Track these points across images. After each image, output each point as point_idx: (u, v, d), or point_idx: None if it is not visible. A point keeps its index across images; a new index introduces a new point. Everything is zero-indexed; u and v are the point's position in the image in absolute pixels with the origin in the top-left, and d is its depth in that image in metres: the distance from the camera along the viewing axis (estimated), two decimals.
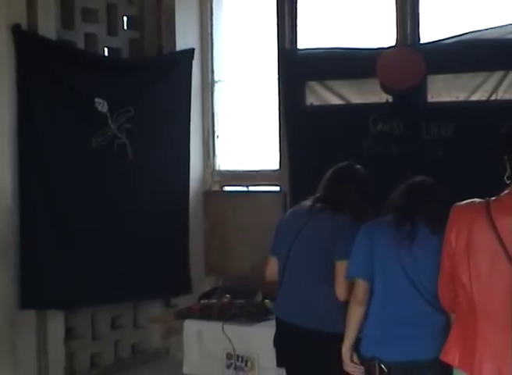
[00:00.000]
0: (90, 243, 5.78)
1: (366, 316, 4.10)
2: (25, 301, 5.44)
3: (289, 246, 4.56)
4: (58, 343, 5.74)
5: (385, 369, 3.96)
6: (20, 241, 5.43)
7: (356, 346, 4.15)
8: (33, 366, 5.55)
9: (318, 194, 4.62)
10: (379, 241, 4.06)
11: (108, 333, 6.30)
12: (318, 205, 4.56)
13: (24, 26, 5.43)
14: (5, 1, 5.35)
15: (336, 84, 6.19)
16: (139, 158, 6.11)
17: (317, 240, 4.47)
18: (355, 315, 4.12)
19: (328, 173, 4.64)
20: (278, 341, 4.70)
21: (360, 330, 4.15)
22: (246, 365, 5.25)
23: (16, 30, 5.36)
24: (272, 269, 4.75)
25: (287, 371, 4.71)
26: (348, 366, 4.16)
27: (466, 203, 3.52)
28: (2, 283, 5.40)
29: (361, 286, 4.09)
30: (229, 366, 5.30)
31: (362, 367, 4.12)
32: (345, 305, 4.23)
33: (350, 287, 4.18)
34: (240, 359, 5.26)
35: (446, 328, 3.93)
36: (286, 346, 4.62)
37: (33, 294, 5.46)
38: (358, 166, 4.64)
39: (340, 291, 4.30)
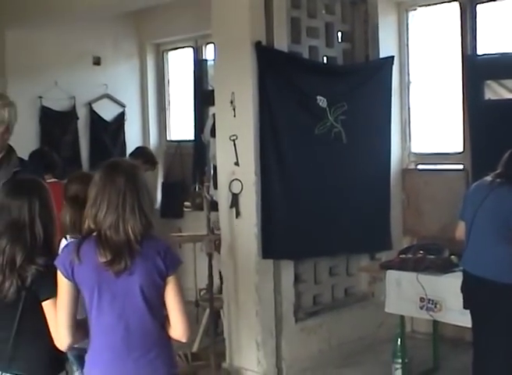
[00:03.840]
0: (313, 208, 5.83)
1: None
2: (265, 252, 5.56)
3: (474, 213, 4.48)
4: (289, 285, 5.83)
5: None
6: (261, 206, 5.55)
7: None
8: (271, 302, 5.67)
9: (497, 171, 4.49)
10: None
11: (326, 279, 6.35)
12: (498, 180, 4.44)
13: (264, 43, 5.54)
14: (250, 24, 5.50)
15: (510, 82, 6.04)
16: (351, 143, 6.10)
17: (497, 208, 4.38)
18: None
19: (507, 154, 4.51)
20: (464, 289, 4.63)
21: None
22: (435, 307, 5.18)
23: (257, 45, 5.49)
24: (461, 231, 4.69)
25: (471, 312, 4.63)
26: None
27: None
28: (249, 238, 5.57)
29: None
30: (421, 307, 5.25)
31: None
32: None
33: None
34: (430, 302, 5.20)
35: None
36: (471, 292, 4.56)
37: (271, 247, 5.58)
38: None
39: None
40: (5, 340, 3.09)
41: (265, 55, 5.53)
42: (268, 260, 5.62)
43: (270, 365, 5.68)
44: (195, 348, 6.26)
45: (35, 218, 3.12)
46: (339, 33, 6.54)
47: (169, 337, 3.02)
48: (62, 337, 2.95)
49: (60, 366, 3.19)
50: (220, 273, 6.01)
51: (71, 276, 2.90)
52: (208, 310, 6.17)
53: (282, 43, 5.70)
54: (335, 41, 6.43)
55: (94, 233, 2.92)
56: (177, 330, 2.98)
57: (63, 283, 2.93)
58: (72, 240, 3.12)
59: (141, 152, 7.64)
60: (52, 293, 3.00)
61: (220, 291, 6.19)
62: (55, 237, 3.24)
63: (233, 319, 5.76)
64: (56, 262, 2.95)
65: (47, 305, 3.02)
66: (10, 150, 3.86)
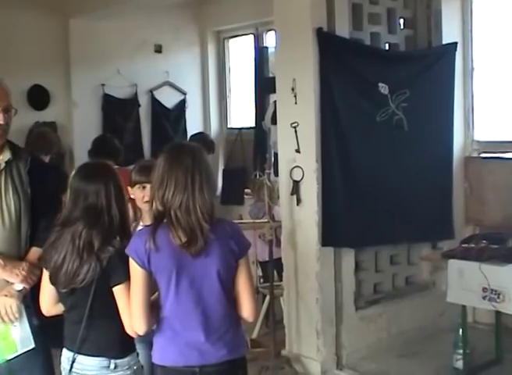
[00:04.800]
0: (375, 196, 5.74)
1: None
2: (325, 240, 5.51)
3: None
4: (349, 273, 5.77)
5: None
6: (322, 193, 5.49)
7: None
8: (332, 290, 5.63)
9: None
10: None
11: (387, 268, 6.25)
12: None
13: (325, 29, 5.47)
14: (311, 11, 5.43)
15: None
16: (413, 130, 5.98)
17: None
18: None
19: None
20: None
21: None
22: (498, 297, 5.07)
23: (319, 32, 5.42)
24: None
25: None
26: None
27: None
28: (309, 226, 5.52)
29: None
30: (484, 298, 5.14)
31: None
32: None
33: None
34: (493, 292, 5.08)
35: None
36: None
37: (332, 235, 5.52)
38: None
39: None
40: (77, 321, 3.13)
41: (327, 41, 5.46)
42: (329, 248, 5.57)
43: (330, 353, 5.64)
44: (255, 335, 6.28)
45: (112, 202, 3.15)
46: (402, 20, 6.42)
47: (240, 318, 3.05)
48: (137, 325, 2.96)
49: (131, 346, 3.22)
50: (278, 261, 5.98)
51: (147, 265, 2.89)
52: (267, 297, 6.17)
53: (343, 29, 5.62)
54: (397, 27, 6.30)
55: (165, 220, 2.91)
56: (246, 310, 3.02)
57: (137, 272, 2.92)
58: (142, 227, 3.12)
59: (199, 138, 7.71)
60: (122, 278, 3.01)
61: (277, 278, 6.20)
62: (128, 220, 3.29)
63: (293, 306, 5.74)
64: (128, 251, 2.94)
65: (118, 290, 3.04)
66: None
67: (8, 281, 3.41)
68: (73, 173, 3.28)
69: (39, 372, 3.54)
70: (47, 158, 6.43)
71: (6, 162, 3.49)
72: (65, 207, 3.22)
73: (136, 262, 2.90)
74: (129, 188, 3.96)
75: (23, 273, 3.39)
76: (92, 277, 3.05)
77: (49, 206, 3.55)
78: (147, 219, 3.66)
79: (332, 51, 5.49)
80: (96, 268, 3.05)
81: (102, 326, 3.12)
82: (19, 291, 3.41)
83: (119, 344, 3.13)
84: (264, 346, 5.92)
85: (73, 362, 3.15)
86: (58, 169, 6.51)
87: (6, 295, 3.38)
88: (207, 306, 2.93)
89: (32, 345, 3.45)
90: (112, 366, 3.13)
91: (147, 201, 3.78)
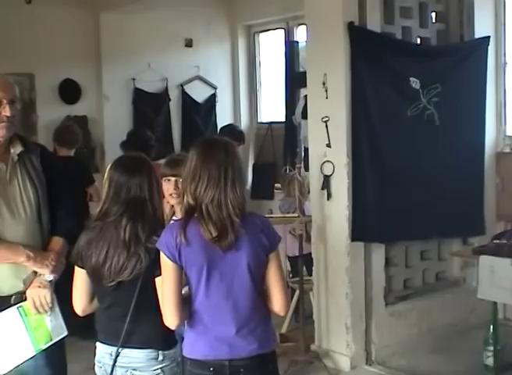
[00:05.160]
0: (405, 191, 5.71)
1: None
2: (355, 235, 5.49)
3: None
4: (379, 268, 5.75)
5: None
6: (352, 188, 5.47)
7: None
8: (362, 284, 5.61)
9: None
10: None
11: (417, 263, 6.23)
12: None
13: (356, 23, 5.44)
14: (342, 5, 5.41)
15: None
16: (444, 125, 5.93)
17: None
18: None
19: None
20: None
21: None
22: None
23: (350, 26, 5.39)
24: None
25: None
26: None
27: None
28: (340, 220, 5.51)
29: None
30: None
31: None
32: None
33: None
34: None
35: None
36: None
37: (362, 230, 5.50)
38: None
39: None
40: (121, 316, 3.12)
41: (358, 35, 5.44)
42: (359, 243, 5.55)
43: (359, 348, 5.63)
44: (284, 329, 6.27)
45: (154, 193, 3.18)
46: (433, 14, 6.36)
47: (270, 312, 3.04)
48: (170, 319, 2.94)
49: (175, 339, 3.22)
50: (307, 256, 5.97)
51: (177, 259, 2.88)
52: (297, 292, 6.17)
53: (374, 23, 5.60)
54: (429, 21, 6.25)
55: (196, 214, 2.91)
56: (278, 304, 3.00)
57: (169, 266, 2.91)
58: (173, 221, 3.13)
59: (229, 129, 7.75)
60: None
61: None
62: (163, 213, 3.32)
63: (323, 301, 5.73)
64: (159, 245, 2.93)
65: (160, 280, 3.02)
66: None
67: (36, 272, 3.42)
68: (111, 166, 3.27)
69: (53, 363, 3.52)
70: (71, 152, 6.51)
71: (19, 155, 3.47)
72: (104, 201, 3.21)
73: (167, 256, 2.90)
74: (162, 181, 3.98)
75: (53, 263, 3.41)
76: (140, 269, 3.06)
77: (64, 196, 3.58)
78: (179, 213, 3.66)
79: (364, 46, 5.47)
80: (145, 259, 3.06)
81: (148, 319, 3.11)
82: (50, 281, 3.43)
83: (164, 336, 3.12)
84: (293, 341, 5.91)
85: (117, 356, 3.15)
86: (79, 163, 6.58)
87: (39, 287, 3.39)
88: (237, 300, 2.92)
89: (65, 333, 3.48)
90: (161, 358, 3.15)
91: (170, 194, 3.90)
